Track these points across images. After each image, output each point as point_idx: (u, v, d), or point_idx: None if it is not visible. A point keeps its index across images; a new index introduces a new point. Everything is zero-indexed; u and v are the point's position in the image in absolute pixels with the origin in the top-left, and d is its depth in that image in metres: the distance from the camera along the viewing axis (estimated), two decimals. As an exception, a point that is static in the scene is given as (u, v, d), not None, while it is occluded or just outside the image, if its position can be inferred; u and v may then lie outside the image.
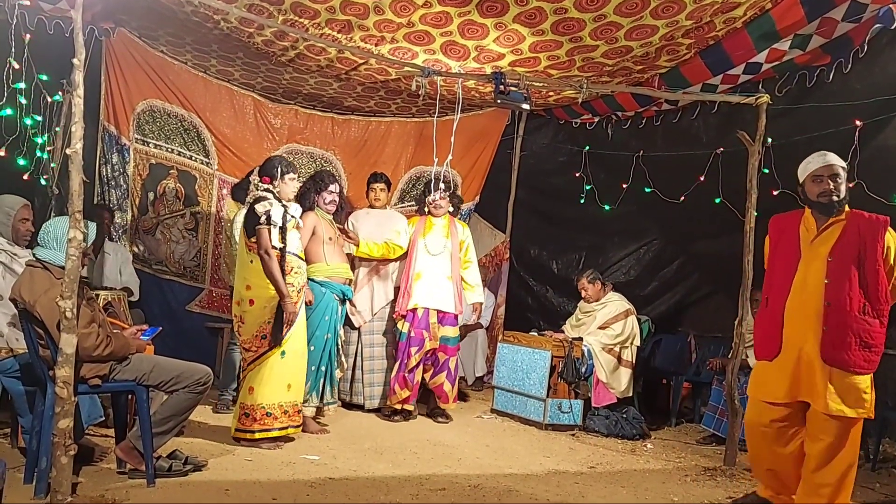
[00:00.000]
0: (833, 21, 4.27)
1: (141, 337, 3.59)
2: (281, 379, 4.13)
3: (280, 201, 4.13)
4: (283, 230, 4.09)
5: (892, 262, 3.15)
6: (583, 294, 5.81)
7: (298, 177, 4.39)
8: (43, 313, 3.01)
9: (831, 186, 3.25)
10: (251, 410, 4.07)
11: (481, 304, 5.42)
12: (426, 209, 5.32)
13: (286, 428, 4.17)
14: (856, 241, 3.19)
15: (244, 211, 5.03)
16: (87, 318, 3.11)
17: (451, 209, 5.36)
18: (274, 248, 4.02)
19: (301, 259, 4.27)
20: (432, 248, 5.20)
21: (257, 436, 4.06)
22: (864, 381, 3.15)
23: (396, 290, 5.35)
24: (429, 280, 5.14)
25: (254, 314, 4.10)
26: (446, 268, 5.20)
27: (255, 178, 4.22)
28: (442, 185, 5.20)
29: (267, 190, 4.16)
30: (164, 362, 3.40)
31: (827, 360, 3.15)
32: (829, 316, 3.17)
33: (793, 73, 4.85)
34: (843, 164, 3.34)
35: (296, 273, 4.17)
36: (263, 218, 4.02)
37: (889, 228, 3.19)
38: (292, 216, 4.19)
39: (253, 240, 4.08)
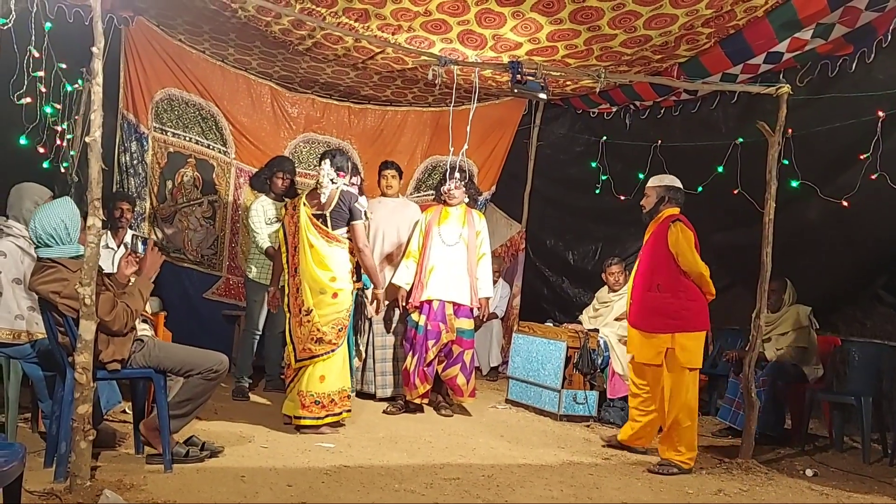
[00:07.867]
0: (856, 10, 4.20)
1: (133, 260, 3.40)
2: (345, 366, 4.32)
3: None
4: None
5: (674, 248, 4.02)
6: (610, 280, 5.75)
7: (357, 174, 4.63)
8: (63, 309, 3.03)
9: (643, 201, 4.32)
10: (321, 398, 4.17)
11: (488, 299, 5.18)
12: (442, 198, 5.21)
13: (349, 410, 4.33)
14: (654, 237, 4.16)
15: (263, 199, 5.08)
16: (109, 302, 3.11)
17: (466, 199, 5.20)
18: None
19: None
20: (447, 239, 5.06)
21: (326, 420, 4.18)
22: (661, 340, 4.01)
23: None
24: (444, 271, 5.01)
25: (336, 307, 4.20)
26: (462, 259, 5.06)
27: (328, 170, 4.19)
28: (457, 175, 5.05)
29: (346, 184, 4.29)
30: (179, 350, 3.44)
31: (632, 325, 4.24)
32: (633, 294, 4.27)
33: (815, 62, 4.78)
34: (655, 183, 4.24)
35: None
36: (363, 214, 4.21)
37: (678, 222, 4.03)
38: None
39: (340, 232, 4.20)
